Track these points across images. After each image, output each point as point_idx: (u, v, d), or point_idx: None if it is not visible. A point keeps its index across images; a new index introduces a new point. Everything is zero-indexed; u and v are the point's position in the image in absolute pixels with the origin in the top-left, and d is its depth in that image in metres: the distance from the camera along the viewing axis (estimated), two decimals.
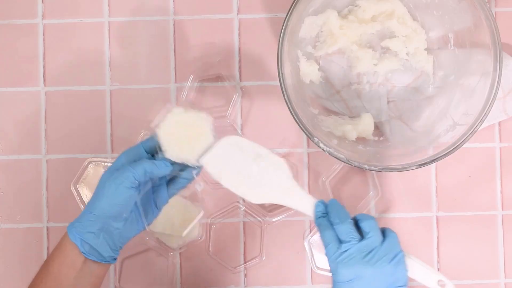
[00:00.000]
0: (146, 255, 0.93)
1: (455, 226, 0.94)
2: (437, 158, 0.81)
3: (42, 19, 0.95)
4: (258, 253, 0.93)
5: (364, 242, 0.72)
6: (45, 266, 0.74)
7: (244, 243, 0.94)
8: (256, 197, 0.77)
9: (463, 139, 0.80)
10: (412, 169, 0.80)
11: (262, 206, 0.93)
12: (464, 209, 0.94)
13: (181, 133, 0.75)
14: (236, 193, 0.76)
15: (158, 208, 0.78)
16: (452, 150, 0.80)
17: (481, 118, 0.80)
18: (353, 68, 0.92)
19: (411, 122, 0.91)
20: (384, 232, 0.74)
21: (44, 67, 0.95)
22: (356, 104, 0.92)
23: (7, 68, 0.94)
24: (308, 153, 0.94)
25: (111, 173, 0.73)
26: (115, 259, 0.74)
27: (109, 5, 0.95)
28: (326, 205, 0.76)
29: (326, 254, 0.73)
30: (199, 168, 0.77)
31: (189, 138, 0.75)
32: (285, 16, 0.81)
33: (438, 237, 0.94)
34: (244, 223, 0.94)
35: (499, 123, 0.95)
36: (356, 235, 0.72)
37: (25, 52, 0.94)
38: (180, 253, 0.93)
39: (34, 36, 0.95)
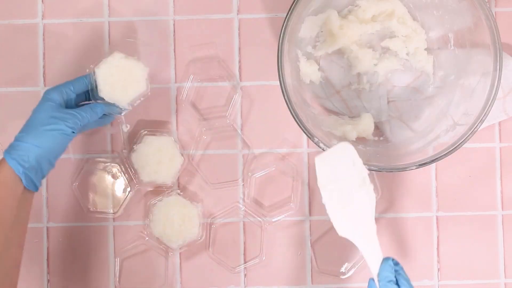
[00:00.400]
0: (146, 255, 0.93)
1: (455, 226, 0.94)
2: (437, 158, 0.81)
3: (42, 19, 0.95)
4: (258, 253, 0.93)
5: None
6: None
7: (244, 243, 0.94)
8: (343, 231, 0.72)
9: (463, 139, 0.80)
10: (412, 169, 0.80)
11: (262, 206, 0.94)
12: (464, 209, 0.94)
13: (118, 76, 0.83)
14: (330, 216, 0.72)
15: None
16: (452, 150, 0.80)
17: (481, 118, 0.80)
18: (353, 68, 0.92)
19: (411, 122, 0.91)
20: None
21: (44, 67, 0.95)
22: (356, 104, 0.92)
23: (7, 68, 0.94)
24: (308, 153, 0.94)
25: (53, 111, 0.78)
26: (38, 188, 0.79)
27: (109, 5, 0.95)
28: (395, 270, 0.71)
29: None
30: (126, 110, 0.86)
31: (124, 82, 0.83)
32: (285, 16, 0.81)
33: (438, 237, 0.94)
34: (244, 223, 0.94)
35: (499, 123, 0.95)
36: None
37: (25, 52, 0.94)
38: (180, 253, 0.93)
39: (34, 36, 0.95)
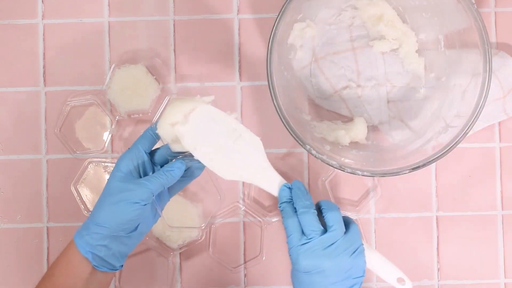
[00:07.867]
0: (146, 255, 0.93)
1: (455, 226, 0.94)
2: (430, 161, 0.79)
3: (42, 19, 0.95)
4: (258, 253, 0.93)
5: (326, 235, 0.71)
6: (49, 277, 0.72)
7: (244, 243, 0.94)
8: (228, 174, 0.74)
9: (455, 141, 0.79)
10: (405, 173, 0.80)
11: (262, 206, 0.93)
12: (464, 209, 0.94)
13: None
14: (208, 167, 0.73)
15: (170, 195, 0.78)
16: (445, 152, 0.79)
17: (472, 120, 0.79)
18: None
19: (411, 121, 0.91)
20: (346, 223, 0.74)
21: (44, 67, 0.95)
22: (356, 104, 0.92)
23: (7, 68, 0.94)
24: (308, 153, 0.94)
25: (120, 183, 0.70)
26: (122, 265, 0.74)
27: (109, 5, 0.95)
28: (291, 190, 0.75)
29: (288, 243, 0.73)
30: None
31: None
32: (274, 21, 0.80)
33: (438, 237, 0.94)
34: (244, 223, 0.94)
35: (499, 123, 0.95)
36: (319, 227, 0.72)
37: (25, 52, 0.95)
38: (180, 253, 0.93)
39: (34, 36, 0.95)
